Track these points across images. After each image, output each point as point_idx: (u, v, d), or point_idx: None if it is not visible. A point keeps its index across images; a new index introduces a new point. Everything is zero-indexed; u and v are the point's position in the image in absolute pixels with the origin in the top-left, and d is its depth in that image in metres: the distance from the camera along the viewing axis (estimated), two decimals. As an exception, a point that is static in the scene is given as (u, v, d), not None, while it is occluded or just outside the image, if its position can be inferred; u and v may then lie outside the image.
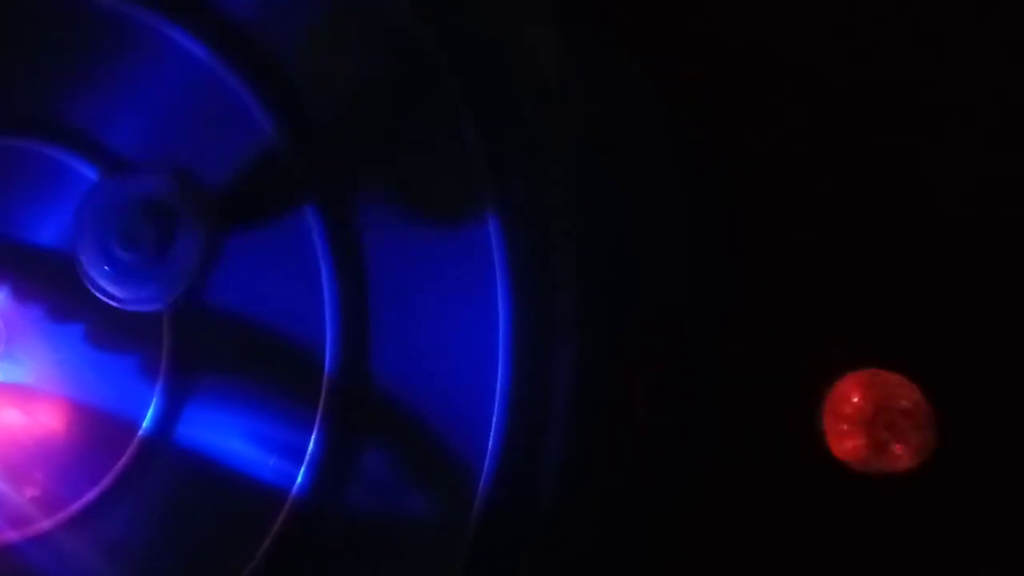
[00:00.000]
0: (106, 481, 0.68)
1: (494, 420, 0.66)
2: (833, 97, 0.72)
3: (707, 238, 0.70)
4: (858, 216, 0.71)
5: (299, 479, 0.67)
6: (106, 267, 0.67)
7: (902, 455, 0.67)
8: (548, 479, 0.66)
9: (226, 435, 0.68)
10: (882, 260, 0.71)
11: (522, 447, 0.66)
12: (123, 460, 0.68)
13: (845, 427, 0.67)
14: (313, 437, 0.67)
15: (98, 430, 0.68)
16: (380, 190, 0.69)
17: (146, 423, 0.68)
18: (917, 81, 0.72)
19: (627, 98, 0.71)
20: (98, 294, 0.67)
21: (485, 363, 0.66)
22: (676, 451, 0.69)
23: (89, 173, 0.70)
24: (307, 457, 0.67)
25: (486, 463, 0.65)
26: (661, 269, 0.70)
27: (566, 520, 0.67)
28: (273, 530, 0.67)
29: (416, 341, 0.68)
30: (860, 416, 0.67)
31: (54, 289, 0.69)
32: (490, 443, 0.66)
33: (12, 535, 0.68)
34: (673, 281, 0.69)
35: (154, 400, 0.68)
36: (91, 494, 0.68)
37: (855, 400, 0.67)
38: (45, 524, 0.68)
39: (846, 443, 0.67)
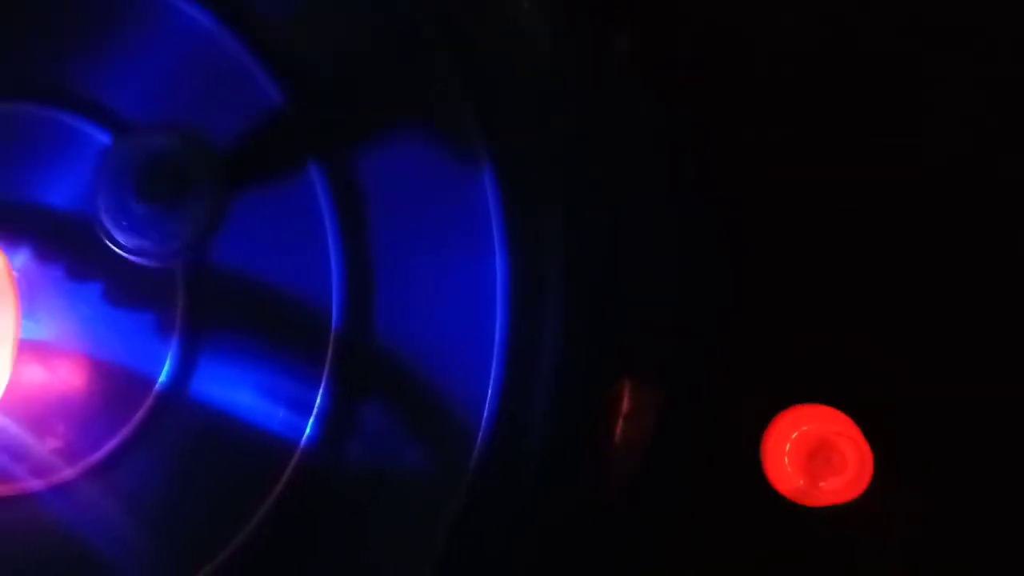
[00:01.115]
0: (124, 433, 0.71)
1: (491, 377, 0.69)
2: (828, 103, 0.74)
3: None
4: (802, 251, 0.73)
5: (307, 431, 0.70)
6: (124, 222, 0.69)
7: (840, 490, 0.69)
8: (542, 432, 0.69)
9: (237, 389, 0.71)
10: (821, 295, 0.72)
11: (518, 401, 0.69)
12: (140, 413, 0.71)
13: (785, 461, 0.69)
14: (320, 391, 0.70)
15: (116, 385, 0.72)
16: (381, 150, 0.71)
17: (162, 378, 0.71)
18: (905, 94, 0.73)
19: (616, 78, 0.73)
20: (116, 248, 0.70)
21: (482, 320, 0.69)
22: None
23: (101, 137, 0.72)
24: (315, 410, 0.70)
25: (483, 416, 0.69)
26: (647, 243, 0.73)
27: (559, 472, 0.70)
28: (283, 479, 0.70)
29: (417, 298, 0.70)
30: (799, 451, 0.69)
31: (72, 250, 0.72)
32: (487, 397, 0.69)
33: (37, 484, 0.71)
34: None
35: (169, 356, 0.71)
36: (110, 445, 0.71)
37: (794, 435, 0.69)
38: (67, 473, 0.71)
39: (785, 478, 0.69)
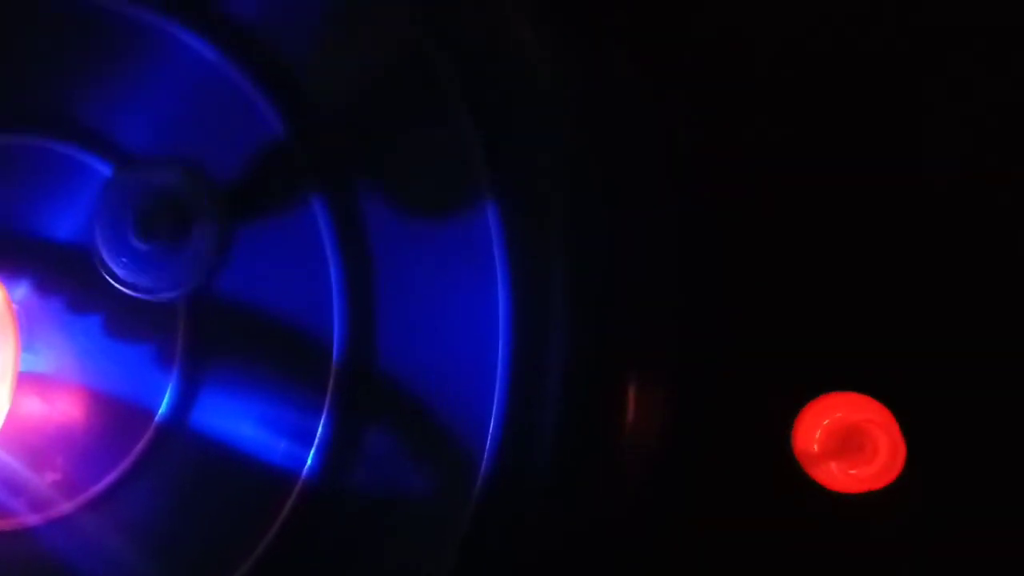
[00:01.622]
0: (124, 465, 0.71)
1: (494, 402, 0.68)
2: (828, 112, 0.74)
3: (692, 249, 0.72)
4: (829, 243, 0.73)
5: (309, 461, 0.70)
6: (123, 258, 0.69)
7: (871, 477, 0.68)
8: (545, 458, 0.69)
9: (238, 420, 0.71)
10: (854, 284, 0.72)
11: (520, 428, 0.68)
12: (140, 445, 0.71)
13: (816, 448, 0.69)
14: (322, 421, 0.70)
15: (116, 416, 0.71)
16: (383, 181, 0.71)
17: (162, 409, 0.71)
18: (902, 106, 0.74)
19: (617, 92, 0.73)
20: (116, 284, 0.70)
21: (485, 347, 0.69)
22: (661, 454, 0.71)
23: (103, 170, 0.72)
24: (316, 440, 0.70)
25: (487, 443, 0.68)
26: (650, 263, 0.72)
27: (563, 497, 0.69)
28: (285, 510, 0.69)
29: (419, 327, 0.70)
30: (830, 437, 0.69)
31: (72, 282, 0.72)
32: (490, 424, 0.68)
33: (34, 518, 0.71)
34: (659, 286, 0.72)
35: (169, 387, 0.71)
36: (110, 478, 0.71)
37: (825, 422, 0.69)
38: (66, 507, 0.70)
39: (817, 463, 0.69)
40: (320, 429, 0.70)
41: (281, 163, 0.72)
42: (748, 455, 0.71)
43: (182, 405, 0.71)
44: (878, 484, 0.68)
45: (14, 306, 0.70)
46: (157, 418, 0.71)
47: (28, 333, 0.71)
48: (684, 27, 0.75)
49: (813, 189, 0.73)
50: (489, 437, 0.68)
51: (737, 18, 0.75)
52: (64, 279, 0.72)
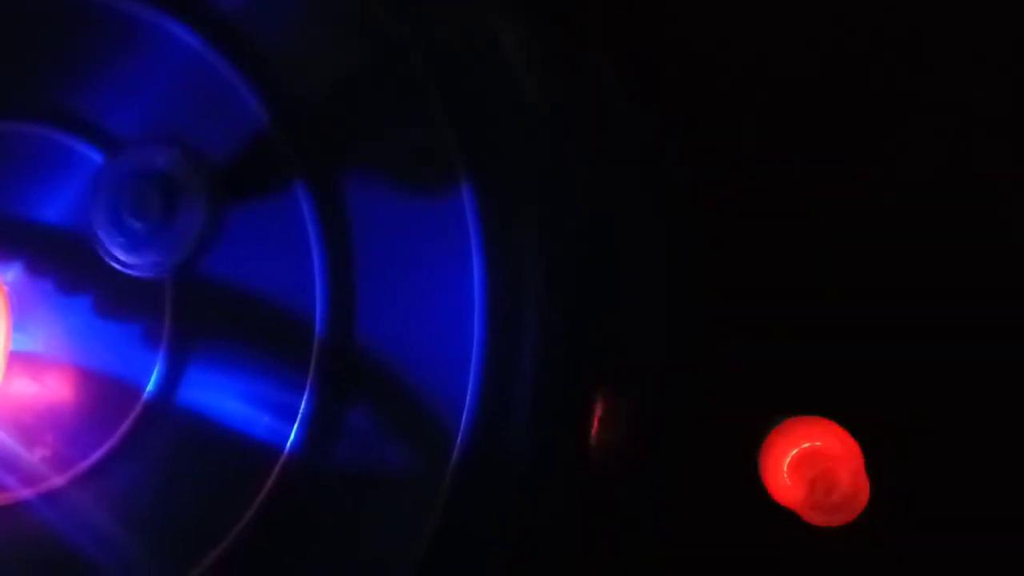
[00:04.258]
0: (113, 441, 0.73)
1: (470, 378, 0.70)
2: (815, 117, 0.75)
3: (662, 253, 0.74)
4: (800, 261, 0.74)
5: (292, 436, 0.72)
6: (120, 237, 0.71)
7: (840, 503, 0.69)
8: (521, 434, 0.71)
9: (224, 397, 0.73)
10: (817, 306, 0.74)
11: (496, 404, 0.70)
12: (128, 421, 0.73)
13: (784, 473, 0.70)
14: (304, 397, 0.72)
15: (104, 394, 0.73)
16: (363, 167, 0.74)
17: (150, 387, 0.73)
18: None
19: (594, 81, 0.76)
20: (113, 263, 0.72)
21: (461, 325, 0.71)
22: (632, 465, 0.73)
23: (93, 155, 0.75)
24: (299, 416, 0.72)
25: (463, 417, 0.70)
26: (628, 246, 0.75)
27: (539, 470, 0.71)
28: (268, 483, 0.72)
29: (398, 307, 0.72)
30: (798, 471, 0.70)
31: (63, 264, 0.74)
32: (467, 400, 0.70)
33: (26, 492, 0.73)
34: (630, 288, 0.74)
35: (157, 365, 0.73)
36: (99, 453, 0.73)
37: (793, 452, 0.70)
38: (56, 481, 0.73)
39: (785, 489, 0.70)
40: (303, 405, 0.72)
41: (264, 149, 0.74)
42: (720, 471, 0.72)
43: (169, 383, 0.73)
44: (842, 522, 0.69)
45: (5, 287, 0.73)
46: (145, 395, 0.73)
47: (19, 313, 0.73)
48: (660, 28, 0.76)
49: (794, 198, 0.75)
50: (465, 413, 0.70)
51: (716, 19, 0.77)
52: (55, 261, 0.74)
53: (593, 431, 0.72)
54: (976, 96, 0.75)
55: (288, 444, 0.72)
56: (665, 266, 0.75)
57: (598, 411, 0.72)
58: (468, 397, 0.70)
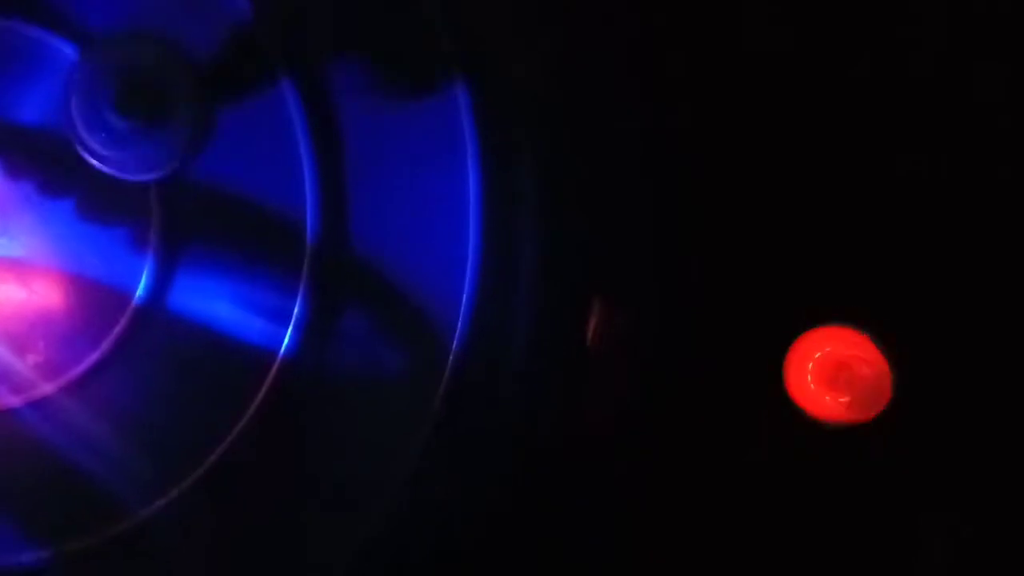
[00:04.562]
0: (103, 348, 0.72)
1: (466, 280, 0.70)
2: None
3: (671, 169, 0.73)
4: (818, 184, 0.74)
5: (286, 340, 0.71)
6: (102, 133, 0.69)
7: (860, 406, 0.71)
8: (518, 338, 0.71)
9: (216, 301, 0.72)
10: (842, 223, 0.74)
11: (493, 307, 0.70)
12: (119, 327, 0.72)
13: (808, 380, 0.71)
14: (298, 300, 0.71)
15: (94, 300, 0.72)
16: (353, 65, 0.72)
17: (139, 292, 0.72)
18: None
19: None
20: (95, 162, 0.69)
21: (457, 227, 0.71)
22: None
23: (70, 52, 0.72)
24: (293, 319, 0.71)
25: (459, 321, 0.70)
26: (625, 168, 0.74)
27: (535, 373, 0.72)
28: (263, 388, 0.71)
29: (392, 208, 0.72)
30: (822, 370, 0.71)
31: (44, 165, 0.72)
32: (463, 302, 0.70)
33: (16, 400, 0.72)
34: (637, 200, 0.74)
35: (146, 270, 0.72)
36: (90, 360, 0.72)
37: (816, 355, 0.71)
38: (47, 389, 0.71)
39: (809, 395, 0.71)
40: (296, 309, 0.71)
41: (249, 45, 0.72)
42: (738, 387, 0.73)
43: (159, 288, 0.72)
44: (867, 415, 0.70)
45: (-14, 191, 0.71)
46: (135, 301, 0.72)
47: (2, 218, 0.72)
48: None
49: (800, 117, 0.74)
50: (461, 315, 0.70)
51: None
52: (35, 163, 0.72)
53: (590, 334, 0.72)
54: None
55: (283, 348, 0.71)
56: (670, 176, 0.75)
57: (595, 314, 0.72)
58: (464, 299, 0.70)
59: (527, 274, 0.71)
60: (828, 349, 0.71)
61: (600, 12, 0.73)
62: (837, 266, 0.74)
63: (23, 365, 0.72)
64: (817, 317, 0.72)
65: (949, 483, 0.74)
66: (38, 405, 0.72)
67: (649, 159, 0.74)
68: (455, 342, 0.70)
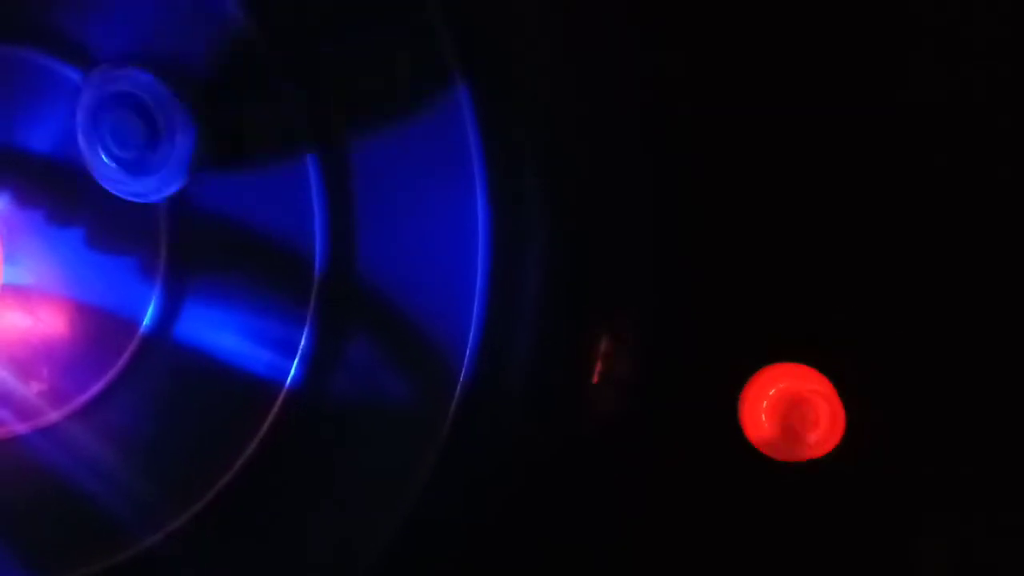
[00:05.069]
0: (110, 375, 0.72)
1: (473, 311, 0.70)
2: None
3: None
4: (781, 223, 0.74)
5: (292, 371, 0.71)
6: (108, 163, 0.69)
7: (814, 444, 0.71)
8: (523, 368, 0.71)
9: (222, 331, 0.72)
10: (802, 262, 0.74)
11: (500, 334, 0.70)
12: (125, 355, 0.72)
13: (762, 416, 0.71)
14: (305, 332, 0.71)
15: (101, 327, 0.72)
16: (358, 83, 0.71)
17: (146, 320, 0.72)
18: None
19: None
20: (106, 186, 0.69)
21: (464, 257, 0.70)
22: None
23: (74, 76, 0.72)
24: (299, 350, 0.71)
25: (466, 352, 0.70)
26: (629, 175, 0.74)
27: (539, 404, 0.71)
28: (268, 419, 0.71)
29: (399, 239, 0.71)
30: (775, 406, 0.71)
31: (53, 193, 0.72)
32: (470, 333, 0.70)
33: (21, 427, 0.72)
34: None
35: (153, 298, 0.72)
36: (96, 387, 0.72)
37: (771, 392, 0.71)
38: (53, 416, 0.72)
39: (762, 431, 0.71)
40: (303, 340, 0.71)
41: (253, 66, 0.71)
42: (701, 415, 0.73)
43: (166, 316, 0.72)
44: (819, 452, 0.70)
45: (-5, 219, 0.71)
46: (142, 329, 0.72)
47: (10, 245, 0.72)
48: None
49: (783, 151, 0.74)
50: (468, 346, 0.70)
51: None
52: (45, 190, 0.73)
53: (595, 367, 0.72)
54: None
55: (289, 380, 0.71)
56: (662, 203, 0.74)
57: (601, 348, 0.72)
58: (472, 330, 0.70)
59: (535, 305, 0.70)
60: (783, 385, 0.71)
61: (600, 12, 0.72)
62: (794, 309, 0.74)
63: (29, 392, 0.72)
64: (773, 356, 0.72)
65: (949, 484, 0.73)
66: (44, 432, 0.72)
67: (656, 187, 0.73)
68: (463, 372, 0.70)
